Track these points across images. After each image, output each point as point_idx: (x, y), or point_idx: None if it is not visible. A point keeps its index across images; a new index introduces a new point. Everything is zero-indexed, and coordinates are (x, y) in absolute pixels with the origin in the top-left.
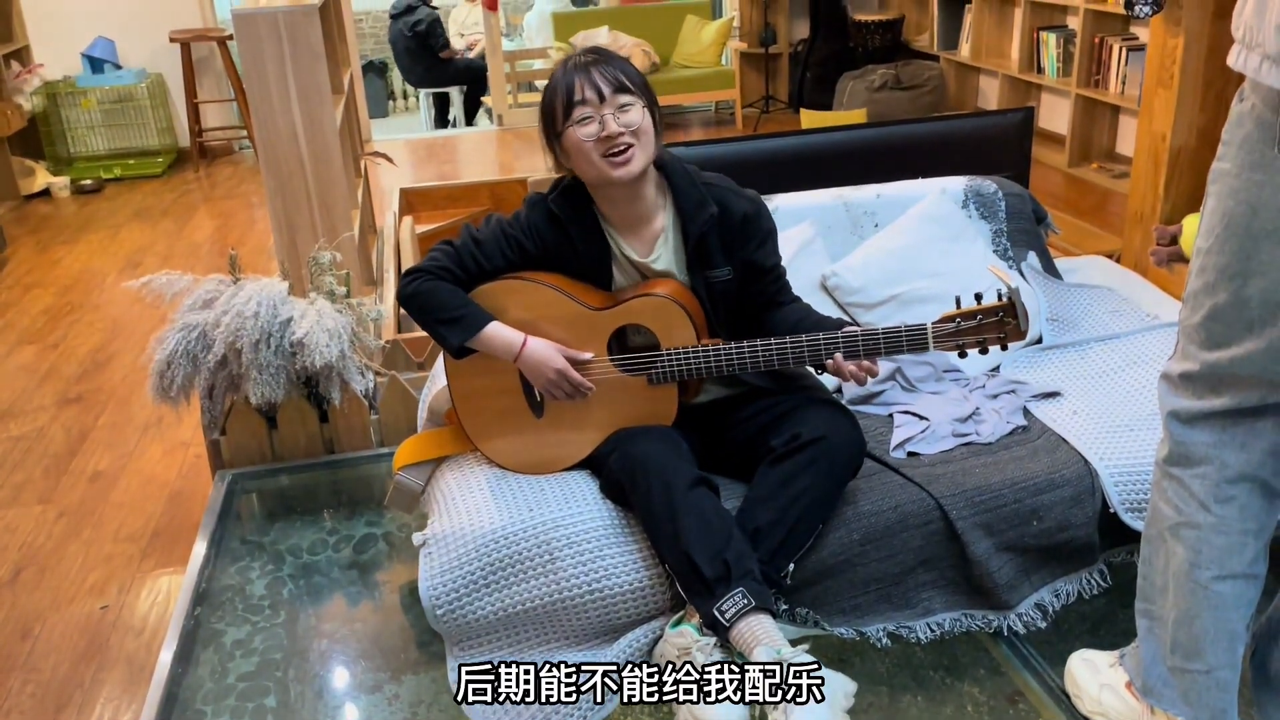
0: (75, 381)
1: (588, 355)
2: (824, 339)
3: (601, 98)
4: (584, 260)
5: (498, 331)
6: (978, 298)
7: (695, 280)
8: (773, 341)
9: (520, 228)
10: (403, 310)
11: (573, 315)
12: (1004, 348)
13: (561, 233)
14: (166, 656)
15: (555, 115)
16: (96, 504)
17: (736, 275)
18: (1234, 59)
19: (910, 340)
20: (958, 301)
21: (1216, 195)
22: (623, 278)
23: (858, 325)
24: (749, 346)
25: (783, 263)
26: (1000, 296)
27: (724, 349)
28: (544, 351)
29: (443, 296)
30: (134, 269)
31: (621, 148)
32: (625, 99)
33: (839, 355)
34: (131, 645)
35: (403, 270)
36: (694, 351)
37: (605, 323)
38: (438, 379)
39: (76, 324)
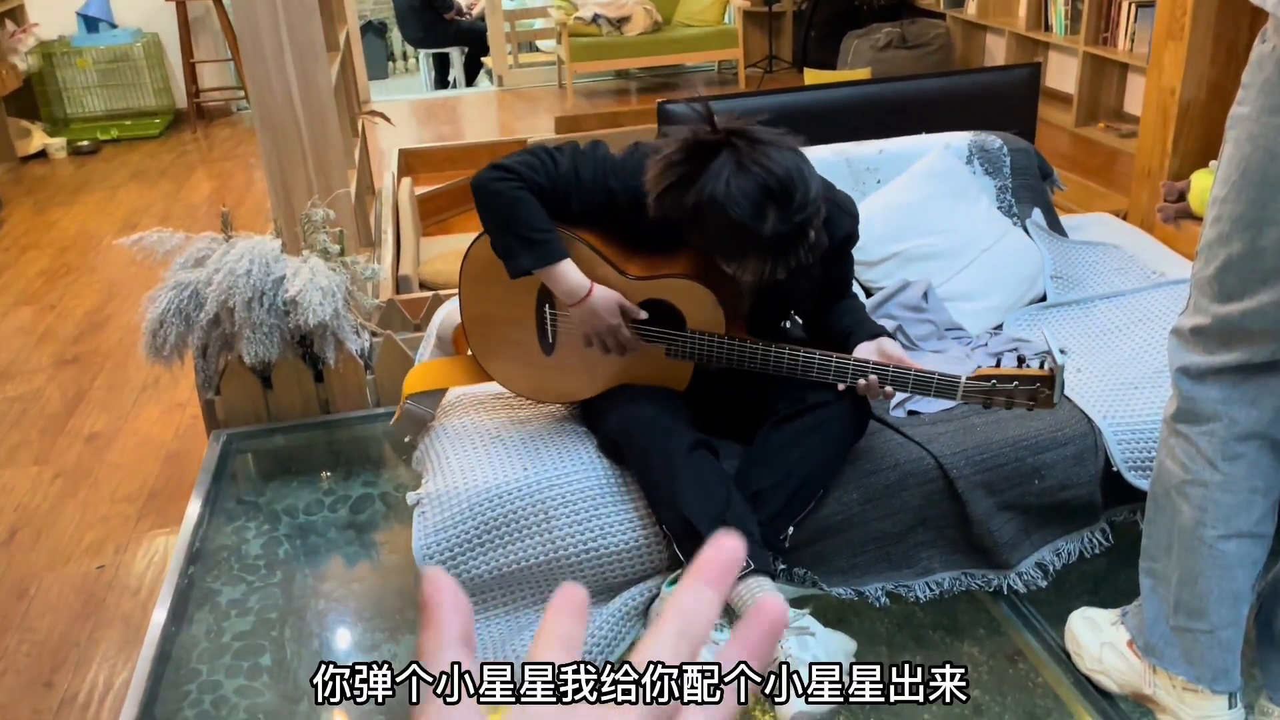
0: (72, 342)
1: (643, 314)
2: (854, 363)
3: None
4: (667, 232)
5: (569, 271)
6: (1020, 360)
7: (766, 284)
8: (800, 352)
9: (623, 182)
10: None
11: (605, 279)
12: (1030, 410)
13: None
14: (160, 615)
15: (728, 253)
16: (93, 464)
17: (810, 284)
18: None
19: (940, 387)
20: (999, 361)
21: (1234, 141)
22: (691, 251)
23: (890, 335)
24: (775, 350)
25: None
26: (1044, 366)
27: (748, 345)
28: (605, 305)
29: (529, 211)
30: (131, 230)
31: None
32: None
33: (872, 377)
34: (128, 605)
35: (489, 163)
36: (718, 339)
37: (637, 293)
38: (451, 305)
39: (73, 285)
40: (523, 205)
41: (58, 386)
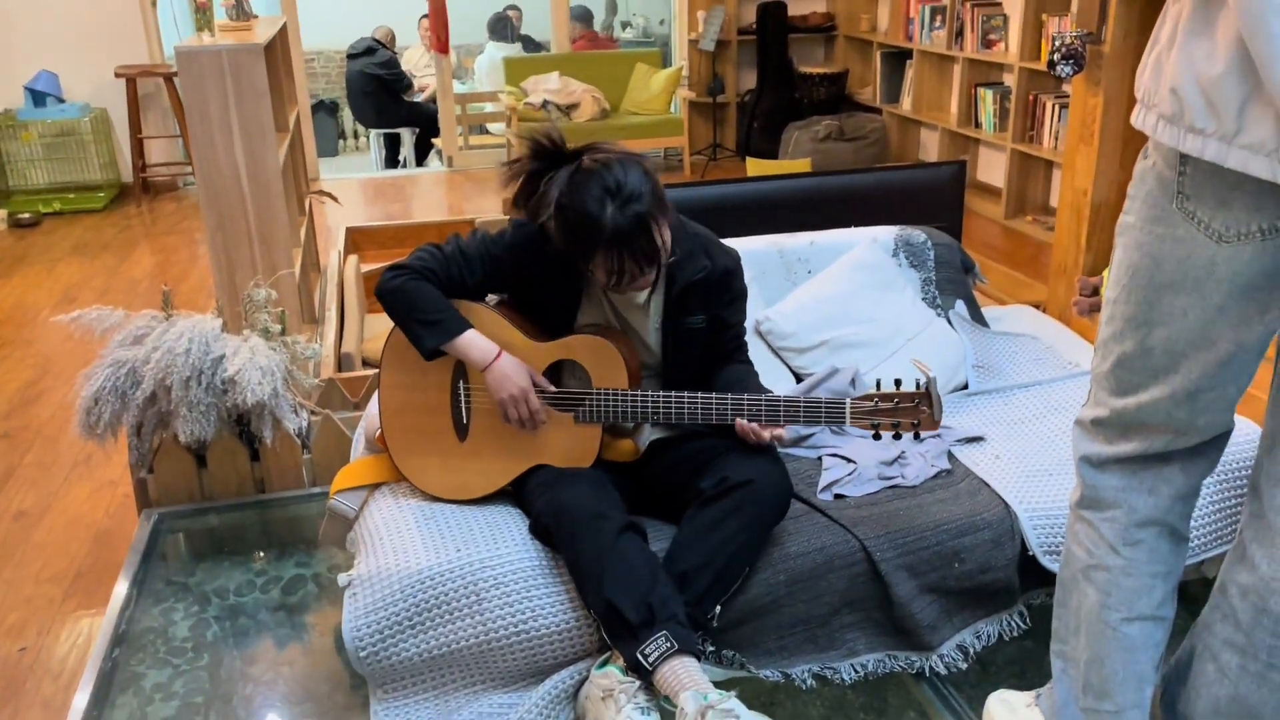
0: (2, 418)
1: (552, 388)
2: (748, 400)
3: (631, 277)
4: (558, 286)
5: (474, 340)
6: (897, 383)
7: (668, 324)
8: (699, 396)
9: (503, 246)
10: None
11: (512, 343)
12: (916, 436)
13: (542, 256)
14: (82, 700)
15: (581, 251)
16: (18, 544)
17: (707, 326)
18: (1136, 118)
19: (829, 413)
20: (878, 384)
21: (1123, 247)
22: (592, 310)
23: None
24: (676, 397)
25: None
26: (919, 385)
27: (652, 396)
28: (514, 368)
29: (425, 296)
30: (69, 304)
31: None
32: (649, 270)
33: (740, 420)
34: (49, 689)
35: (389, 268)
36: (623, 395)
37: (542, 356)
38: (374, 407)
39: (6, 360)
40: (419, 293)
41: None
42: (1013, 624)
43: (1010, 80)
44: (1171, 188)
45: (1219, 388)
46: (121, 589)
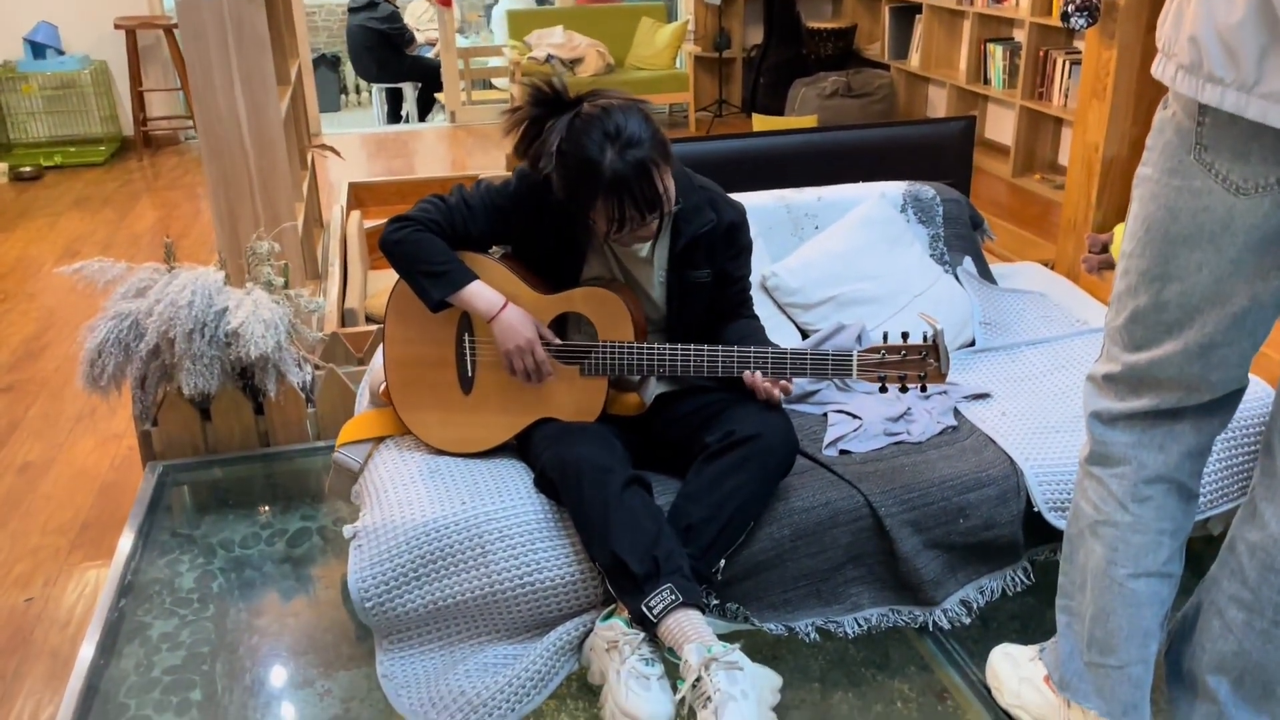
0: (6, 371)
1: (557, 340)
2: (754, 353)
3: (633, 225)
4: (562, 237)
5: (480, 290)
6: (904, 335)
7: (673, 278)
8: (705, 349)
9: (507, 196)
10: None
11: (517, 296)
12: (923, 389)
13: (546, 207)
14: (89, 648)
15: (582, 198)
16: (24, 495)
17: (713, 280)
18: (1156, 68)
19: (836, 365)
20: (885, 336)
21: (1139, 200)
22: (597, 263)
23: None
24: (683, 350)
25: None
26: (926, 338)
27: (658, 349)
28: (521, 319)
29: (430, 248)
30: (72, 258)
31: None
32: (651, 218)
33: (755, 372)
34: (56, 639)
35: (390, 219)
36: (629, 347)
37: (548, 308)
38: (379, 360)
39: (10, 313)
40: (424, 244)
41: None
42: (1016, 580)
43: (1020, 36)
44: (1190, 139)
45: (1233, 343)
46: (127, 540)
